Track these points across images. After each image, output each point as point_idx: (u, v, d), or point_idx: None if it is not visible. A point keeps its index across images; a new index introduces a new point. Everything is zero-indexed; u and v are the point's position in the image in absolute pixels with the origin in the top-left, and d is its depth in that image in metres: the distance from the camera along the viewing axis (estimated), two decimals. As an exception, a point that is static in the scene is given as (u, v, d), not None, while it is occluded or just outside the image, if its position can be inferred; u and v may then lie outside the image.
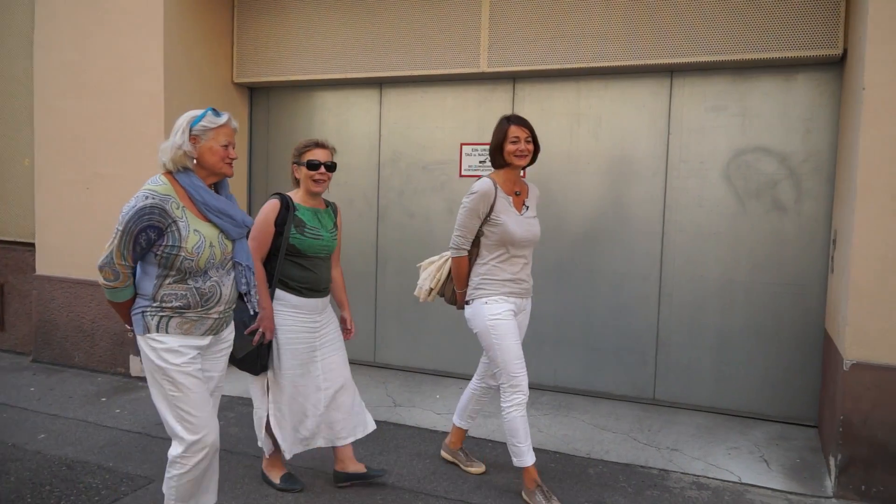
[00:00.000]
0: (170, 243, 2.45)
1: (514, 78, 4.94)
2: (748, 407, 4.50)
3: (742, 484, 3.58)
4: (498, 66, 4.78)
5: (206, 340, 2.61)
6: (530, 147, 3.27)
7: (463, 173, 5.13)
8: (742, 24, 4.17)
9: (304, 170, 3.22)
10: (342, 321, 3.50)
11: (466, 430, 3.75)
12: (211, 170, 2.57)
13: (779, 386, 4.42)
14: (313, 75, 5.32)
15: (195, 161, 2.53)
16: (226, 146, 2.57)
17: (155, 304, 2.50)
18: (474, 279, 3.32)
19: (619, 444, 4.05)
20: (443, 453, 3.81)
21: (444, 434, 4.09)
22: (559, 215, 4.88)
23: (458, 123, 5.15)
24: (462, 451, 3.75)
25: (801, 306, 4.34)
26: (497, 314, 3.23)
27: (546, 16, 4.62)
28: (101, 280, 2.47)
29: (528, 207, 3.37)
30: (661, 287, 4.67)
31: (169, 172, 2.53)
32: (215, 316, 2.61)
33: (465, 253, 3.31)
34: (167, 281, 2.50)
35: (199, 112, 2.54)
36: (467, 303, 3.37)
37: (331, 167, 3.26)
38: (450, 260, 3.41)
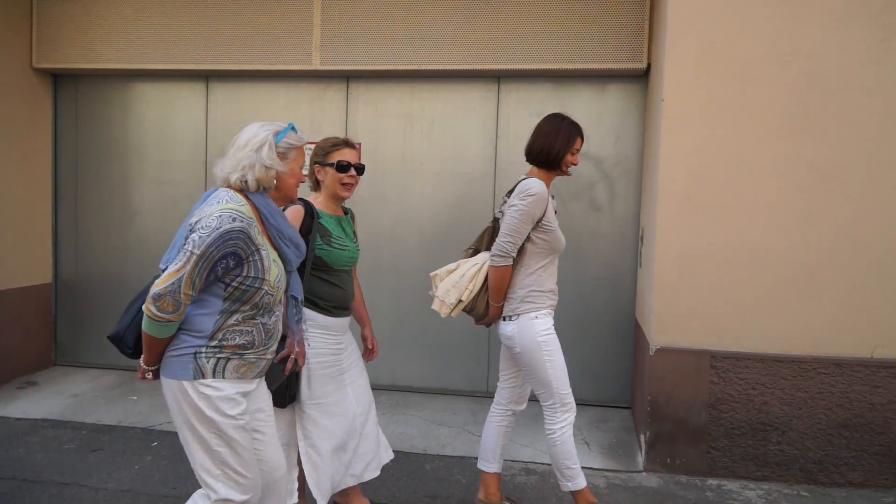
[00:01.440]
0: (251, 274, 2.10)
1: (347, 77, 4.92)
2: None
3: (566, 466, 3.82)
4: (331, 65, 4.73)
5: (254, 384, 2.25)
6: None
7: (296, 172, 5.02)
8: (562, 37, 4.45)
9: (331, 172, 2.80)
10: (364, 339, 3.17)
11: (500, 474, 3.26)
12: (286, 194, 2.30)
13: (598, 372, 4.78)
14: (130, 64, 4.95)
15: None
16: (300, 169, 2.33)
17: (213, 344, 2.10)
18: (519, 291, 2.96)
19: (455, 438, 4.17)
20: None
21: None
22: (395, 215, 4.93)
23: (291, 121, 5.01)
24: (507, 499, 3.31)
25: (616, 298, 4.72)
26: (547, 329, 2.96)
27: (380, 16, 4.65)
28: (150, 310, 2.01)
29: (556, 212, 3.11)
30: (492, 284, 4.86)
31: (239, 190, 2.16)
32: (269, 357, 2.28)
33: (511, 261, 2.94)
34: (234, 318, 2.13)
35: (277, 125, 2.23)
36: (505, 318, 3.01)
37: (361, 169, 2.87)
38: (484, 268, 3.00)
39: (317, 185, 2.90)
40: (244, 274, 2.09)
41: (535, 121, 4.73)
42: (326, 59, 4.73)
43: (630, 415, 4.64)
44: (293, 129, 2.26)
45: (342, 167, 2.80)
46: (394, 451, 3.11)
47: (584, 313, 4.76)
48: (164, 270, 2.09)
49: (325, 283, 2.78)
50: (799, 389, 3.60)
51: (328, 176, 2.82)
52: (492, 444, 3.21)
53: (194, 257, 1.99)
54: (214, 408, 2.10)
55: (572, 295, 4.75)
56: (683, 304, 3.69)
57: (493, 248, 2.96)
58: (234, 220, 2.03)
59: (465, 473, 3.69)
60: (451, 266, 3.11)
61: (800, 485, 3.63)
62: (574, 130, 3.02)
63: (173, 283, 1.99)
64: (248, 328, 2.15)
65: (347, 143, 2.86)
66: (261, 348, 2.19)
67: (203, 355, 2.09)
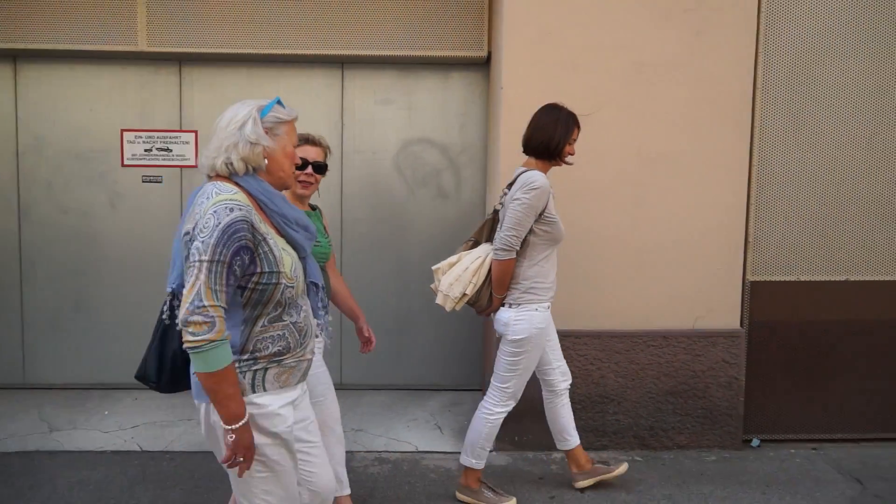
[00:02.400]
0: (265, 270, 1.86)
1: (180, 60, 4.60)
2: (425, 380, 4.86)
3: (419, 452, 3.85)
4: (160, 46, 4.40)
5: (298, 390, 2.01)
6: None
7: (126, 162, 4.65)
8: (405, 23, 4.42)
9: None
10: (359, 332, 3.06)
11: (580, 445, 3.40)
12: (278, 177, 2.00)
13: (450, 358, 4.85)
14: (-81, 41, 4.35)
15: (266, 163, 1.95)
16: (294, 149, 2.04)
17: (245, 358, 1.88)
18: (523, 283, 3.03)
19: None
20: (459, 496, 3.29)
21: (117, 454, 3.69)
22: (237, 206, 4.71)
23: (117, 107, 4.64)
24: (487, 486, 3.31)
25: (465, 283, 4.80)
26: (542, 325, 3.05)
27: (212, -4, 4.39)
28: (188, 339, 1.74)
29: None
30: (342, 273, 4.78)
31: (226, 177, 1.91)
32: (310, 356, 2.05)
33: (514, 254, 2.99)
34: (261, 323, 1.90)
35: (261, 101, 1.98)
36: (506, 305, 3.09)
37: (320, 168, 2.79)
38: (487, 261, 3.05)
39: None
40: (258, 271, 1.86)
41: (381, 108, 4.76)
42: (155, 39, 4.40)
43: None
44: (280, 102, 2.03)
45: (300, 165, 2.66)
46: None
47: (432, 298, 4.79)
48: (171, 292, 1.95)
49: None
50: (631, 362, 3.84)
51: None
52: (560, 425, 3.34)
53: (204, 266, 1.76)
54: (257, 428, 1.87)
55: (424, 281, 4.77)
56: (527, 287, 3.81)
57: (497, 241, 3.00)
58: (231, 210, 1.79)
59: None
60: (453, 259, 3.14)
61: (634, 450, 3.89)
62: (572, 121, 3.07)
63: (193, 302, 1.74)
64: (278, 332, 1.94)
65: (308, 140, 2.80)
66: (298, 350, 1.99)
67: (238, 371, 1.86)
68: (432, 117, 4.70)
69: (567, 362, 3.80)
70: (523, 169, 3.07)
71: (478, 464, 3.20)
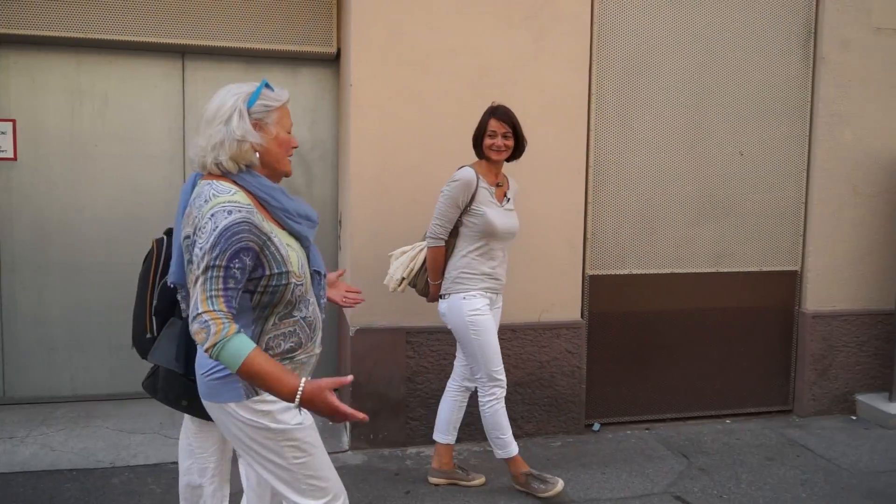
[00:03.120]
0: (274, 271, 1.78)
1: (-7, 42, 4.17)
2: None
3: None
4: (-32, 26, 3.95)
5: None
6: (509, 143, 3.18)
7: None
8: (251, 15, 4.26)
9: None
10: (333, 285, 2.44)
11: (453, 446, 3.48)
12: (273, 167, 1.88)
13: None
14: None
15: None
16: (288, 133, 1.91)
17: None
18: (451, 272, 3.20)
19: (148, 445, 3.83)
20: (433, 479, 3.44)
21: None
22: (65, 203, 4.33)
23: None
24: (458, 467, 3.50)
25: (319, 282, 4.72)
26: (476, 309, 3.15)
27: (30, -26, 4.00)
28: (203, 349, 1.67)
29: (508, 199, 3.29)
30: (187, 275, 4.55)
31: (221, 176, 1.80)
32: (318, 351, 1.99)
33: (443, 243, 3.18)
34: (271, 321, 1.84)
35: (247, 86, 1.84)
36: (442, 296, 3.25)
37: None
38: (425, 250, 3.24)
39: None
40: (266, 273, 1.78)
41: (227, 101, 4.54)
42: (-38, 18, 3.94)
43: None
44: (268, 86, 1.87)
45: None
46: (72, 470, 2.73)
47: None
48: (173, 286, 1.96)
49: None
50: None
51: None
52: (446, 416, 3.43)
53: (200, 272, 1.68)
54: (276, 420, 1.82)
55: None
56: (379, 285, 3.81)
57: (427, 230, 3.21)
58: (229, 213, 1.70)
59: (160, 482, 3.41)
60: (406, 248, 3.36)
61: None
62: (490, 113, 3.18)
63: (192, 313, 1.68)
64: (289, 329, 1.87)
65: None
66: (308, 345, 1.93)
67: None
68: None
69: (422, 358, 3.87)
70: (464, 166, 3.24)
71: (506, 452, 3.31)
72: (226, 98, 1.83)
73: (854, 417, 4.52)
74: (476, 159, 3.29)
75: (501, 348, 3.97)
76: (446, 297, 3.24)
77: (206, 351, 1.67)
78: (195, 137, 1.86)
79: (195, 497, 2.51)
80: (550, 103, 3.95)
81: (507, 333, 3.98)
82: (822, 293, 4.48)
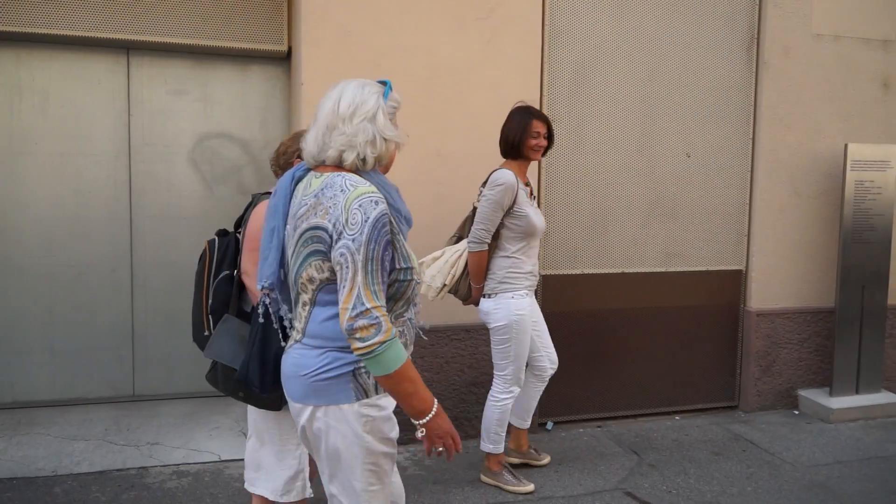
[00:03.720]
0: (403, 265, 1.78)
1: (-75, 34, 3.99)
2: (229, 385, 4.65)
3: (222, 461, 3.67)
4: None
5: None
6: (545, 143, 3.32)
7: None
8: (200, 11, 4.18)
9: None
10: None
11: (527, 429, 3.68)
12: (388, 167, 1.91)
13: (255, 360, 4.67)
14: None
15: None
16: None
17: None
18: (497, 273, 3.29)
19: (93, 452, 3.72)
20: (483, 479, 3.52)
21: None
22: (1, 202, 4.18)
23: None
24: (532, 448, 3.71)
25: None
26: (522, 310, 3.26)
27: (-35, -36, 3.85)
28: (358, 347, 1.61)
29: (534, 197, 3.42)
30: (134, 276, 4.43)
31: (348, 169, 1.78)
32: (411, 349, 1.91)
33: (486, 247, 3.25)
34: (390, 318, 1.77)
35: (375, 85, 1.82)
36: (486, 296, 3.32)
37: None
38: (464, 254, 3.29)
39: (278, 173, 2.57)
40: (396, 267, 1.77)
41: (174, 98, 4.46)
42: None
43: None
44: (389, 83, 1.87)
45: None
46: (11, 479, 2.61)
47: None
48: (263, 289, 1.87)
49: None
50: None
51: None
52: (528, 406, 3.59)
53: (360, 266, 1.64)
54: (378, 433, 1.76)
55: (225, 283, 4.56)
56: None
57: (469, 235, 3.27)
58: (376, 203, 1.68)
59: (105, 490, 3.31)
60: (437, 253, 3.39)
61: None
62: (529, 115, 3.27)
63: (355, 307, 1.62)
64: (400, 328, 1.81)
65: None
66: (410, 347, 1.88)
67: (364, 370, 1.74)
68: (231, 111, 4.50)
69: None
70: (496, 168, 3.31)
71: (495, 448, 3.42)
72: (364, 95, 1.79)
73: (796, 412, 4.67)
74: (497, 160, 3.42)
75: (456, 349, 4.00)
76: (492, 296, 3.31)
77: (368, 347, 1.62)
78: (314, 132, 1.80)
79: (258, 473, 2.55)
80: (503, 104, 3.95)
81: (461, 334, 3.99)
82: (766, 292, 4.61)
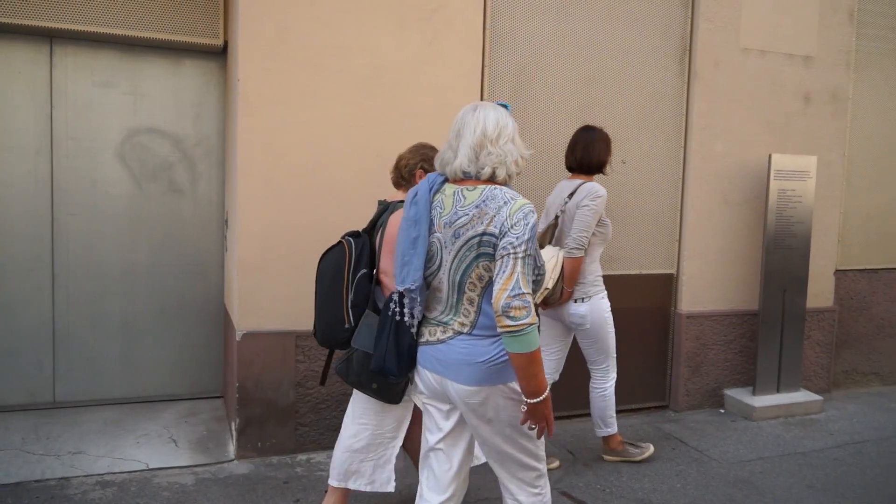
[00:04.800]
0: (540, 263, 2.14)
1: None
2: (159, 390, 4.48)
3: (150, 470, 3.53)
4: None
5: None
6: None
7: None
8: (131, 0, 4.01)
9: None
10: None
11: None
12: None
13: (186, 364, 4.53)
14: None
15: None
16: None
17: None
18: (588, 277, 3.57)
19: (9, 463, 3.51)
20: (608, 458, 3.89)
21: None
22: None
23: None
24: (628, 443, 3.94)
25: (203, 285, 4.52)
26: (608, 309, 3.64)
27: None
28: (507, 323, 1.93)
29: None
30: (55, 277, 4.21)
31: (489, 182, 2.15)
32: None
33: (584, 253, 3.50)
34: None
35: (498, 106, 2.19)
36: (577, 300, 3.57)
37: None
38: (560, 260, 3.48)
39: (399, 184, 2.98)
40: (538, 264, 2.11)
41: (100, 90, 4.27)
42: None
43: (222, 404, 4.51)
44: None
45: None
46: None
47: (168, 302, 4.45)
48: (405, 290, 2.12)
49: None
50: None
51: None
52: (607, 409, 3.82)
53: (520, 259, 1.98)
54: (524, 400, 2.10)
55: (155, 283, 4.40)
56: (268, 287, 3.70)
57: (571, 241, 3.48)
58: (532, 212, 2.04)
59: (21, 502, 3.13)
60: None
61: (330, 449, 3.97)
62: (608, 138, 3.65)
63: (513, 290, 1.94)
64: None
65: None
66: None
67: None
68: (162, 106, 4.34)
69: (312, 363, 3.79)
70: (581, 181, 3.59)
71: (611, 430, 3.80)
72: (504, 120, 2.15)
73: (722, 411, 4.84)
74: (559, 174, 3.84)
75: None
76: (586, 300, 3.58)
77: (518, 325, 1.93)
78: (462, 151, 2.12)
79: (351, 461, 2.90)
80: (444, 106, 3.97)
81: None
82: (695, 295, 4.77)
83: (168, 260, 4.43)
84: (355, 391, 2.93)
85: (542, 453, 2.26)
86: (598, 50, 4.43)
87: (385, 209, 2.89)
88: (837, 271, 5.29)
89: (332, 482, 2.94)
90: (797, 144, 4.95)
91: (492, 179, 2.13)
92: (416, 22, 3.86)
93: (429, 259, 2.15)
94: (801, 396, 4.86)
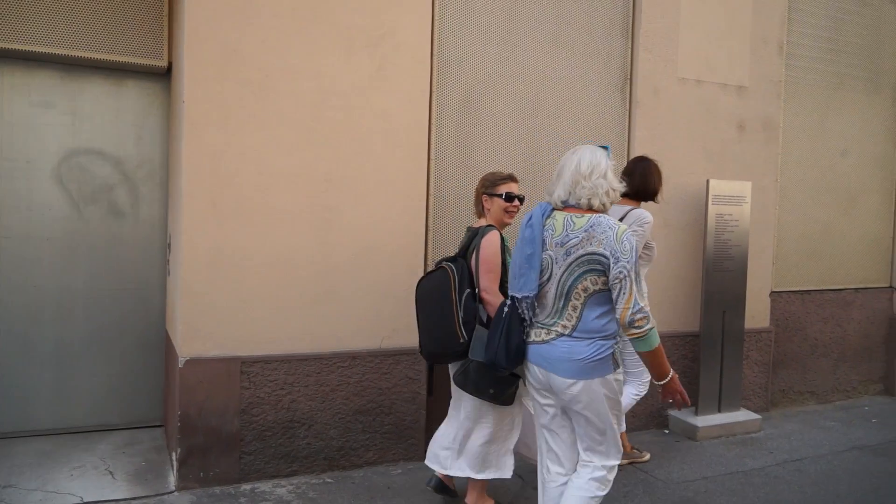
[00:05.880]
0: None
1: None
2: (95, 420, 4.31)
3: (85, 503, 3.40)
4: None
5: None
6: None
7: None
8: (70, 20, 3.94)
9: (497, 201, 3.32)
10: None
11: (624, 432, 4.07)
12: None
13: (125, 392, 4.38)
14: None
15: None
16: None
17: (615, 341, 2.62)
18: None
19: (-70, 500, 3.32)
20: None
21: None
22: None
23: None
24: (634, 448, 4.25)
25: (143, 310, 4.39)
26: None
27: None
28: (634, 332, 2.48)
29: None
30: (-15, 303, 4.04)
31: (589, 210, 2.63)
32: None
33: None
34: (612, 314, 2.59)
35: (598, 148, 2.66)
36: None
37: (523, 199, 3.40)
38: None
39: (481, 213, 3.41)
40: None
41: (39, 111, 4.15)
42: None
43: (162, 433, 4.37)
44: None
45: (510, 197, 3.32)
46: None
47: (107, 328, 4.31)
48: (524, 298, 2.63)
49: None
50: (321, 384, 3.87)
51: (495, 205, 3.34)
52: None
53: (633, 279, 2.47)
54: (619, 389, 2.66)
55: (92, 308, 4.26)
56: (212, 312, 3.62)
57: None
58: (633, 236, 2.55)
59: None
60: None
61: (325, 473, 3.91)
62: (656, 166, 4.04)
63: (635, 306, 2.46)
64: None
65: (512, 178, 3.39)
66: None
67: (616, 351, 2.63)
68: (103, 127, 4.24)
69: (258, 389, 3.73)
70: (630, 207, 3.91)
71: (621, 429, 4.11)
72: (599, 158, 2.61)
73: (667, 431, 4.93)
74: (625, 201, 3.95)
75: (342, 377, 3.93)
76: None
77: (644, 332, 2.45)
78: (561, 182, 2.64)
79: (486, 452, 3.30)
80: (392, 130, 3.99)
81: (348, 360, 3.93)
82: (639, 316, 4.86)
83: (107, 284, 4.29)
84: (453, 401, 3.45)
85: (619, 443, 2.70)
86: (543, 77, 4.54)
87: (475, 234, 3.27)
88: (773, 293, 5.49)
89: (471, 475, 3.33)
90: (733, 170, 5.15)
91: (590, 208, 2.59)
92: (364, 47, 3.89)
93: (541, 272, 2.61)
94: (742, 416, 4.99)
